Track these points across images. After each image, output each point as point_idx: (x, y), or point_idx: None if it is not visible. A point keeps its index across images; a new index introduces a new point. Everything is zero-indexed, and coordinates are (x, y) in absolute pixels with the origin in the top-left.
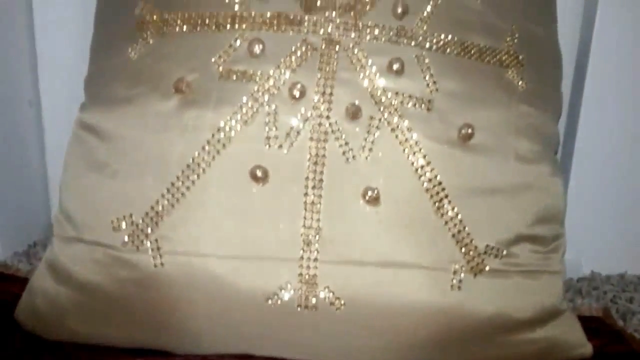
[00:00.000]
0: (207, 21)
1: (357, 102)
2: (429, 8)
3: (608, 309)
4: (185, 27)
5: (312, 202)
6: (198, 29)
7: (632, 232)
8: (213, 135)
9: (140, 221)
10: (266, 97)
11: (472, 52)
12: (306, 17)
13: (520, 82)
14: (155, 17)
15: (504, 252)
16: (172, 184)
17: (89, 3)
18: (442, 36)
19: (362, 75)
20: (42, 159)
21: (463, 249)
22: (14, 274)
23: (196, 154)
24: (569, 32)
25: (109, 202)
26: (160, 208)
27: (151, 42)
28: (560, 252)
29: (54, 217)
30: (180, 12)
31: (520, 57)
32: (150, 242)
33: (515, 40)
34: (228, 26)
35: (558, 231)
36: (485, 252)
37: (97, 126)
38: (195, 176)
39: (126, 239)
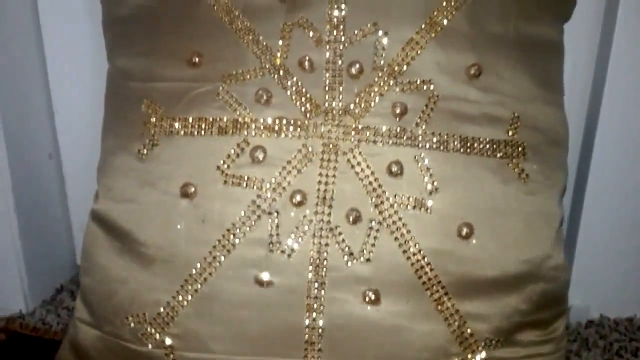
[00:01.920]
0: (210, 126)
1: (357, 206)
2: (427, 106)
3: None
4: (189, 130)
5: (315, 305)
6: (203, 133)
7: None
8: (219, 241)
9: (153, 321)
10: (268, 204)
11: (473, 147)
12: (306, 122)
13: (522, 174)
14: (159, 117)
15: (504, 342)
16: (182, 287)
17: (103, 56)
18: (441, 134)
19: (361, 179)
20: (65, 207)
21: (463, 343)
22: (43, 336)
23: (203, 259)
24: (578, 99)
25: (123, 299)
26: (170, 309)
27: (159, 143)
28: (562, 328)
29: (77, 300)
30: (182, 115)
31: (524, 145)
32: (163, 341)
33: (518, 128)
34: (230, 132)
35: (560, 309)
36: (485, 345)
37: (109, 221)
38: (203, 279)
39: (140, 335)
